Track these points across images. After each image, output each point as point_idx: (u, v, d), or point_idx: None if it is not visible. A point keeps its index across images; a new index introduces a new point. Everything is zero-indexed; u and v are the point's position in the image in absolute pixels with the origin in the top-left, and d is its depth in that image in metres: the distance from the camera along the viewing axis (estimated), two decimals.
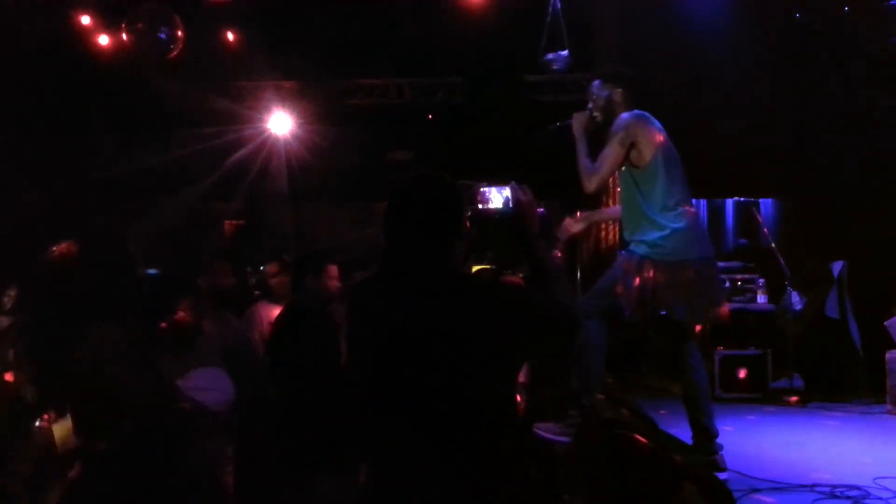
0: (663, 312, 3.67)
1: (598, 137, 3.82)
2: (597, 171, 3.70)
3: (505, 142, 7.33)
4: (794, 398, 5.78)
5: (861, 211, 6.44)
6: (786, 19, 6.51)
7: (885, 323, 5.47)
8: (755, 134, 6.70)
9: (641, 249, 3.68)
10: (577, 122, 3.82)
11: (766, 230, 6.40)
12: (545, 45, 6.00)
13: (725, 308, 3.91)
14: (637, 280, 3.64)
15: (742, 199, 7.85)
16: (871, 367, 5.79)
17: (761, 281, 6.29)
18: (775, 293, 6.28)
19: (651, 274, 3.63)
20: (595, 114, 3.82)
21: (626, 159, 3.69)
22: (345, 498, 2.99)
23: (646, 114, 3.75)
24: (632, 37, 6.44)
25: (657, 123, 3.75)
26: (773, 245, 6.19)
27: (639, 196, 3.71)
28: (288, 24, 7.09)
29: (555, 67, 6.17)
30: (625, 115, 3.71)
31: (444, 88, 8.22)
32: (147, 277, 3.25)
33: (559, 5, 5.84)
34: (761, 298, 6.23)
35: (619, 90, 3.79)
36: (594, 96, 3.85)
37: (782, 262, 6.07)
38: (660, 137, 3.70)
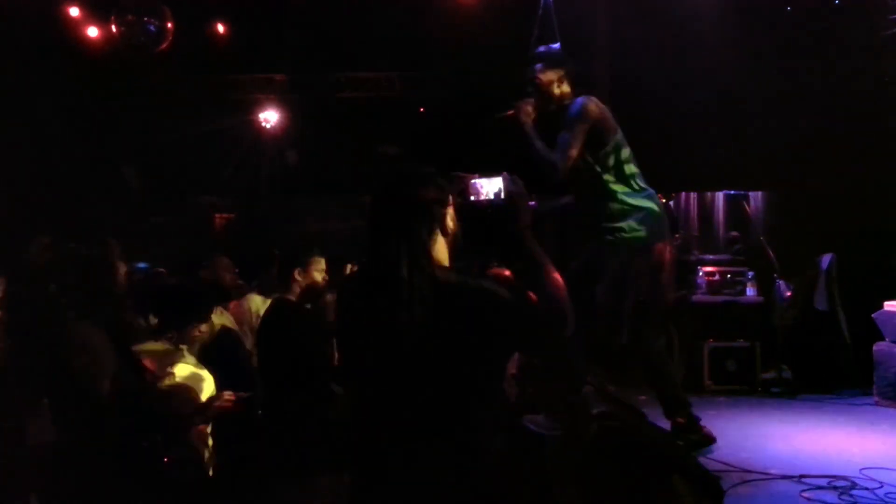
0: (642, 299, 3.61)
1: (542, 123, 3.66)
2: (559, 160, 3.50)
3: (495, 134, 7.31)
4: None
5: (850, 204, 6.48)
6: (777, 12, 6.53)
7: (873, 315, 5.50)
8: (745, 127, 6.73)
9: (616, 237, 3.61)
10: (523, 111, 3.61)
11: (755, 223, 6.43)
12: (537, 38, 5.98)
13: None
14: (617, 268, 3.59)
15: (732, 192, 7.88)
16: (860, 359, 5.83)
17: (750, 273, 6.32)
18: (765, 286, 6.30)
19: (630, 260, 3.58)
20: (538, 99, 3.64)
21: (591, 145, 3.56)
22: (336, 495, 2.99)
23: (595, 97, 3.64)
24: (623, 30, 6.44)
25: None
26: (762, 238, 6.22)
27: (603, 181, 3.60)
28: (279, 17, 7.06)
29: None
30: (580, 100, 3.59)
31: (434, 81, 8.19)
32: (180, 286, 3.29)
33: None
34: (750, 291, 6.26)
35: (562, 74, 3.66)
36: (537, 81, 3.68)
37: (772, 254, 6.10)
38: (615, 120, 3.64)
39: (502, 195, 1.98)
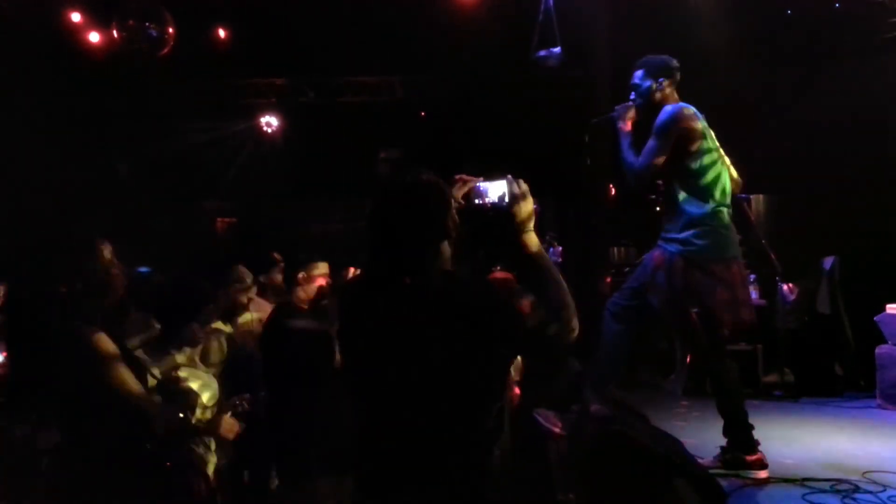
0: (695, 310, 3.59)
1: (639, 129, 3.72)
2: (642, 167, 3.58)
3: (498, 138, 7.32)
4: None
5: (852, 207, 6.48)
6: (777, 15, 6.53)
7: (875, 318, 5.50)
8: (746, 130, 6.72)
9: (673, 247, 3.61)
10: (621, 114, 3.71)
11: (757, 226, 6.42)
12: (537, 42, 5.99)
13: (751, 314, 3.77)
14: (668, 277, 3.57)
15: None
16: (862, 361, 5.82)
17: (752, 276, 6.31)
18: (767, 288, 6.30)
19: (682, 271, 3.55)
20: (638, 104, 3.71)
21: (671, 153, 3.57)
22: (339, 498, 2.99)
23: (690, 106, 3.66)
24: (624, 33, 6.44)
25: (700, 116, 3.66)
26: (764, 241, 6.21)
27: (677, 190, 3.63)
28: (280, 22, 7.07)
29: (547, 64, 6.16)
30: (669, 108, 3.61)
31: (435, 85, 8.20)
32: (177, 282, 3.31)
33: (551, 2, 5.83)
34: (752, 294, 6.25)
35: (663, 80, 3.69)
36: (637, 87, 3.74)
37: (773, 257, 6.09)
38: (703, 131, 3.62)
39: (506, 198, 1.98)
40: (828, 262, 6.18)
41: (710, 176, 3.62)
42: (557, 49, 6.01)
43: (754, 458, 3.64)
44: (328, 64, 7.86)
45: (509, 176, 1.99)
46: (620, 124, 3.70)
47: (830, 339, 6.06)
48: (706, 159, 3.62)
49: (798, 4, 6.51)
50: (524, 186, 1.99)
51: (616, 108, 3.76)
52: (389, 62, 8.01)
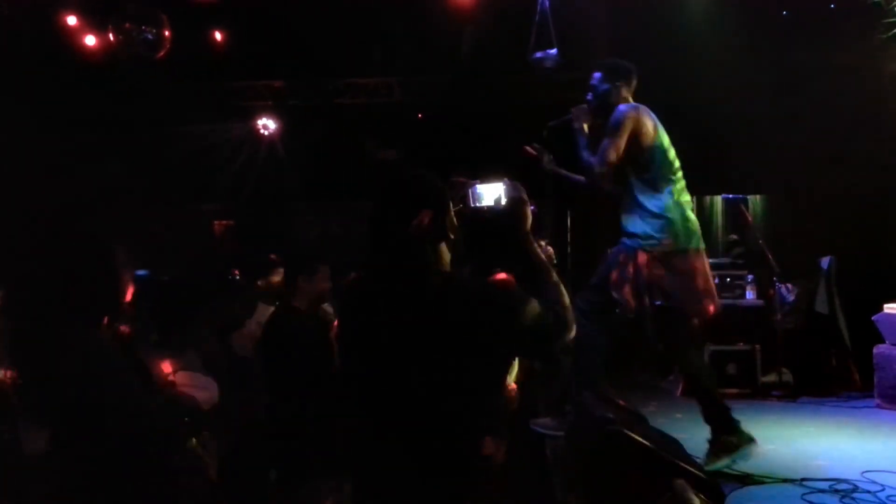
0: (659, 303, 3.64)
1: (596, 130, 3.80)
2: (598, 164, 3.67)
3: (495, 140, 7.32)
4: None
5: (850, 207, 6.49)
6: (774, 16, 6.55)
7: (873, 317, 5.51)
8: (744, 130, 6.74)
9: (634, 242, 3.68)
10: (578, 116, 3.80)
11: (754, 226, 6.44)
12: (534, 44, 5.99)
13: (715, 304, 3.83)
14: (631, 272, 3.62)
15: (731, 195, 7.89)
16: (860, 361, 5.83)
17: (750, 277, 6.32)
18: (765, 289, 6.31)
19: (645, 266, 3.61)
20: (594, 106, 3.80)
21: (625, 150, 3.65)
22: (340, 499, 2.99)
23: (642, 105, 3.74)
24: (620, 34, 6.45)
25: (653, 116, 3.73)
26: (761, 241, 6.23)
27: (634, 185, 3.70)
28: (277, 23, 7.07)
29: (544, 66, 6.16)
30: (622, 107, 3.69)
31: (433, 87, 8.20)
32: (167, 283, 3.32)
33: (547, 3, 5.83)
34: (750, 294, 6.27)
35: (620, 84, 3.78)
36: (595, 89, 3.83)
37: (771, 257, 6.11)
38: (655, 129, 3.70)
39: (503, 201, 1.98)
40: (825, 261, 6.19)
41: (665, 170, 3.70)
42: (554, 50, 6.01)
43: (738, 436, 3.66)
44: (326, 66, 7.85)
45: (507, 179, 2.00)
46: (576, 125, 3.80)
47: (829, 338, 6.07)
48: (660, 154, 3.69)
49: (795, 5, 6.53)
50: (521, 189, 2.00)
51: (572, 109, 3.85)
52: (387, 64, 8.01)
